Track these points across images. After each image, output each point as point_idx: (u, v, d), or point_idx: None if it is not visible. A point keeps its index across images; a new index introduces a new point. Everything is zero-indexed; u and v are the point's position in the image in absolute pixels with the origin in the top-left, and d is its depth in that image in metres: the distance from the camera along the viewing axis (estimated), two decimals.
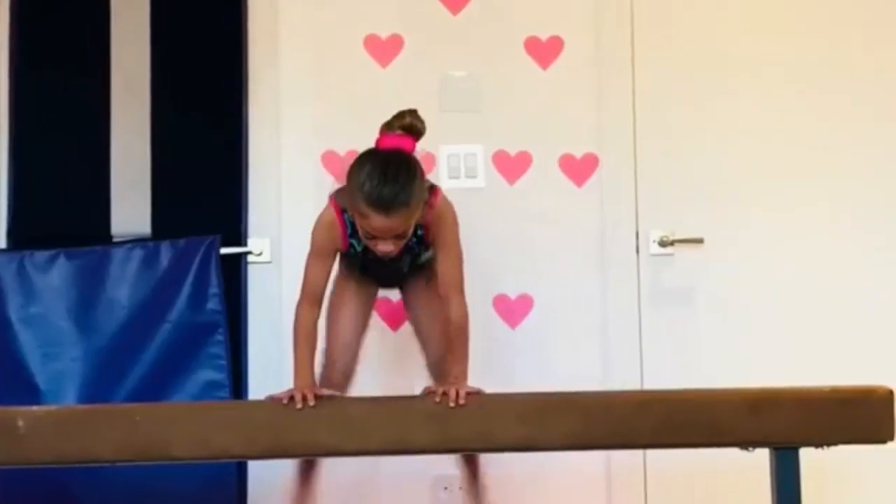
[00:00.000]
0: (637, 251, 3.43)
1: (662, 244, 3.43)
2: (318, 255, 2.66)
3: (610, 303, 3.41)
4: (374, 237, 2.56)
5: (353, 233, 2.63)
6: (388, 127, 2.59)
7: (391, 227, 2.52)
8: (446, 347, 2.70)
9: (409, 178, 2.51)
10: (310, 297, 2.67)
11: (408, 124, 2.58)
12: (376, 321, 3.36)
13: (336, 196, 2.67)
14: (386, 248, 2.57)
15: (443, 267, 2.68)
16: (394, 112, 2.65)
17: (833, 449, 2.59)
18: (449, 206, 2.67)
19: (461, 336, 2.68)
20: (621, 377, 3.34)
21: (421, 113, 2.70)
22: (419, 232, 2.65)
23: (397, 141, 2.56)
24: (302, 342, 2.65)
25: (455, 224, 2.68)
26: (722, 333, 3.42)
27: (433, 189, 2.64)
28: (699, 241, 3.42)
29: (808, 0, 3.53)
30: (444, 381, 2.64)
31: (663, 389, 2.88)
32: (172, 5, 3.42)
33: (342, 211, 2.63)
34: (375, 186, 2.48)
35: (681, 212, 3.44)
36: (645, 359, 3.40)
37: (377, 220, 2.51)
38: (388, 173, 2.49)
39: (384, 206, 2.49)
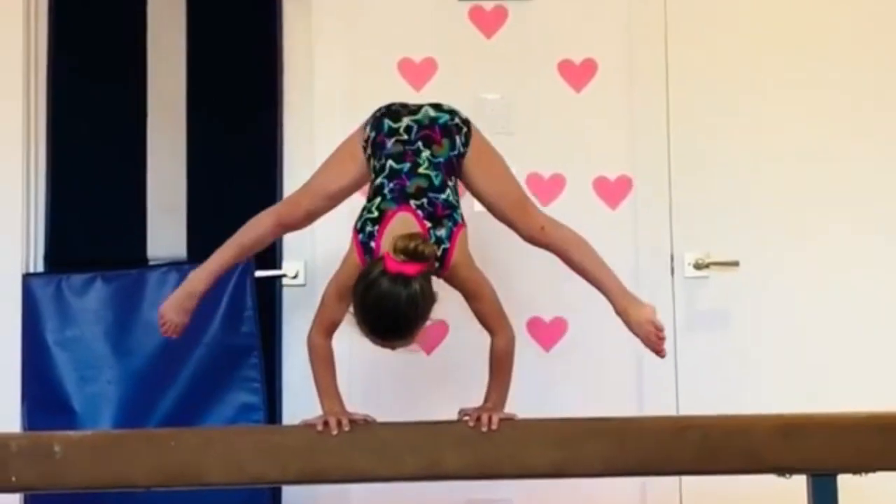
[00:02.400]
0: (672, 273, 3.42)
1: (697, 267, 3.41)
2: (340, 295, 2.64)
3: None
4: None
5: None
6: (393, 249, 2.52)
7: (392, 347, 2.59)
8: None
9: (409, 314, 2.50)
10: (324, 328, 2.67)
11: (411, 250, 2.51)
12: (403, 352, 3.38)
13: (359, 230, 2.66)
14: None
15: (477, 309, 2.68)
16: None
17: (871, 476, 2.57)
18: (462, 254, 2.66)
19: (504, 365, 2.69)
20: (656, 401, 3.33)
21: None
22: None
23: (402, 267, 2.51)
24: (321, 368, 2.66)
25: (473, 268, 2.68)
26: (758, 357, 3.40)
27: (452, 235, 2.65)
28: (734, 264, 3.39)
29: (844, 25, 3.51)
30: (482, 406, 2.64)
31: (699, 415, 2.85)
32: (208, 29, 3.45)
33: (363, 252, 2.64)
34: (375, 323, 2.51)
35: (716, 234, 3.43)
36: (680, 382, 3.38)
37: (377, 343, 2.57)
38: (387, 313, 2.49)
39: (383, 340, 2.55)
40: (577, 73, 3.48)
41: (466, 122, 2.80)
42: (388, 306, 2.48)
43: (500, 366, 2.68)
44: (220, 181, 3.40)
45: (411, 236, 2.54)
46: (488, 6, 3.49)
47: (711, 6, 3.51)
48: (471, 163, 2.76)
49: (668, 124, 3.45)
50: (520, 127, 3.45)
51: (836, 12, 3.51)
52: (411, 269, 2.51)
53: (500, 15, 3.50)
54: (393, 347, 2.59)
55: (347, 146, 2.82)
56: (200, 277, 2.84)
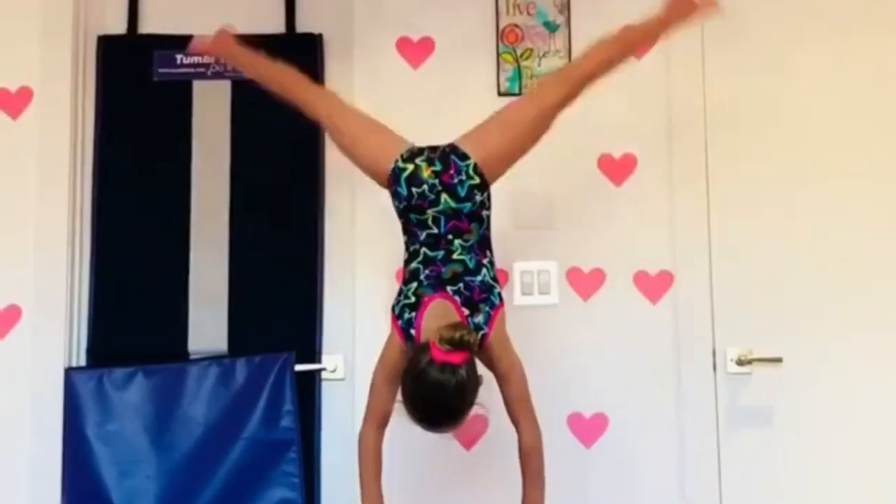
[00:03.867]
0: (714, 370, 3.38)
1: (740, 363, 3.37)
2: (388, 380, 2.68)
3: (687, 422, 3.35)
4: None
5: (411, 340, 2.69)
6: (438, 339, 2.58)
7: (440, 433, 2.64)
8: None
9: (457, 401, 2.56)
10: (376, 421, 2.70)
11: (457, 341, 2.58)
12: (448, 439, 3.35)
13: (397, 316, 2.70)
14: None
15: (505, 395, 2.70)
16: None
17: None
18: (498, 332, 2.69)
19: (533, 464, 2.68)
20: (699, 499, 3.27)
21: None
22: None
23: (448, 357, 2.56)
24: (368, 465, 2.67)
25: (507, 347, 2.71)
26: (802, 455, 3.34)
27: (490, 319, 2.66)
28: (778, 360, 3.35)
29: (880, 119, 3.50)
30: None
31: None
32: (252, 124, 3.49)
33: (404, 338, 2.68)
34: (425, 412, 2.58)
35: (759, 330, 3.39)
36: (723, 480, 3.33)
37: (426, 430, 2.62)
38: (437, 402, 2.56)
39: (433, 427, 2.61)
40: (617, 168, 3.49)
41: (481, 183, 2.81)
42: (438, 395, 2.53)
43: (530, 465, 2.68)
44: (262, 275, 3.41)
45: (455, 326, 2.58)
46: None
47: (751, 102, 3.51)
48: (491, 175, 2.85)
49: (709, 219, 3.44)
50: (560, 221, 3.46)
51: (874, 106, 3.51)
52: (457, 357, 2.55)
53: None
54: (441, 433, 2.61)
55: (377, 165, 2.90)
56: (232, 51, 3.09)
